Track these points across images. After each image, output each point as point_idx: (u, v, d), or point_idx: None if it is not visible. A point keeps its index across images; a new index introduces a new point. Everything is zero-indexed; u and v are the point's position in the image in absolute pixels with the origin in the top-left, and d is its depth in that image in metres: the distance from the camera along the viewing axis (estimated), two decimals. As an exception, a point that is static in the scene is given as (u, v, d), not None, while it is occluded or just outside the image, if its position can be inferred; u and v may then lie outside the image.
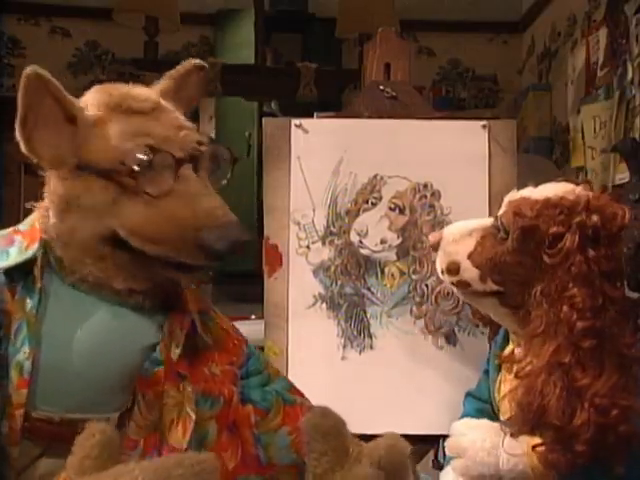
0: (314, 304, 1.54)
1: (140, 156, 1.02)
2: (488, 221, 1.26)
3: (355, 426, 1.51)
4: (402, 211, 1.55)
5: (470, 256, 1.23)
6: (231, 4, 4.08)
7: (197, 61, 1.19)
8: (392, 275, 1.53)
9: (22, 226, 1.12)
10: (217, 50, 4.11)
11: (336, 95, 3.52)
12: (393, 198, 1.56)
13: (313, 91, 3.33)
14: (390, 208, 1.56)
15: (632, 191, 2.16)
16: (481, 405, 1.36)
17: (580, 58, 3.46)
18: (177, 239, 1.01)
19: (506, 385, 1.27)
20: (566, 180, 1.23)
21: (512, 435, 1.16)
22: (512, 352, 1.27)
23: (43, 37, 4.17)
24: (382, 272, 1.54)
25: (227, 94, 3.45)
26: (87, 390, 1.08)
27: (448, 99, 4.34)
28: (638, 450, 1.11)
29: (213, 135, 3.60)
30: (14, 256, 1.07)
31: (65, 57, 4.13)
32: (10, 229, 1.13)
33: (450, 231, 1.30)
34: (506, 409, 1.23)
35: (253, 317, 2.26)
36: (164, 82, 1.18)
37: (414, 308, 1.53)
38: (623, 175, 2.72)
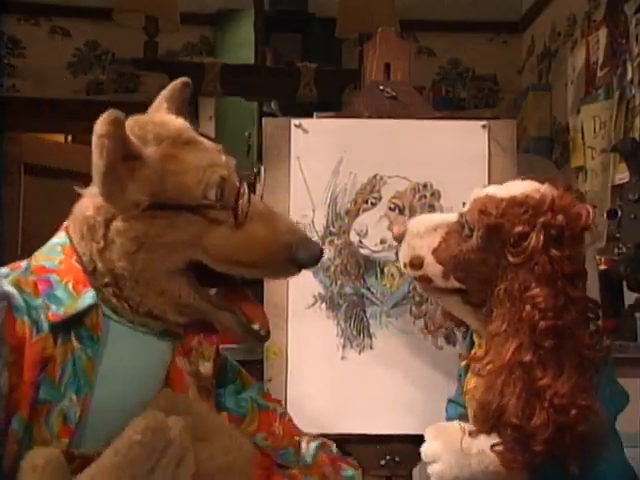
0: (314, 304, 1.54)
1: (218, 187, 1.04)
2: (453, 217, 1.25)
3: (355, 426, 1.52)
4: (402, 211, 1.55)
5: (434, 252, 1.22)
6: (231, 4, 4.08)
7: (184, 79, 1.21)
8: (392, 275, 1.53)
9: (46, 263, 1.07)
10: (217, 50, 4.11)
11: (336, 95, 3.52)
12: (393, 198, 1.56)
13: (313, 91, 3.33)
14: (390, 208, 1.56)
15: (632, 191, 2.16)
16: (461, 410, 1.35)
17: (580, 58, 3.46)
18: (268, 259, 1.06)
19: (471, 385, 1.27)
20: (531, 178, 1.24)
21: (471, 435, 1.16)
22: (475, 352, 1.27)
23: (43, 37, 4.17)
24: (382, 272, 1.54)
25: (227, 94, 3.45)
26: (125, 422, 1.06)
27: (448, 99, 4.34)
28: (593, 450, 1.12)
29: (213, 135, 3.59)
30: (68, 301, 1.03)
31: (65, 57, 4.14)
32: (28, 266, 1.07)
33: (415, 224, 1.29)
34: (472, 409, 1.24)
35: (253, 317, 2.26)
36: (161, 103, 1.17)
37: (414, 308, 1.53)
38: (623, 175, 2.72)
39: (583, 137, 3.32)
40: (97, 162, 0.98)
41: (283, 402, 1.49)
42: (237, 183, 1.07)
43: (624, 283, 2.23)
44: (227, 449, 1.07)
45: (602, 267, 2.36)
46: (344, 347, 1.53)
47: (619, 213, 2.19)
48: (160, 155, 1.04)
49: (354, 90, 3.46)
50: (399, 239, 1.28)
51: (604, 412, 1.13)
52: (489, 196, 1.20)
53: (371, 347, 1.53)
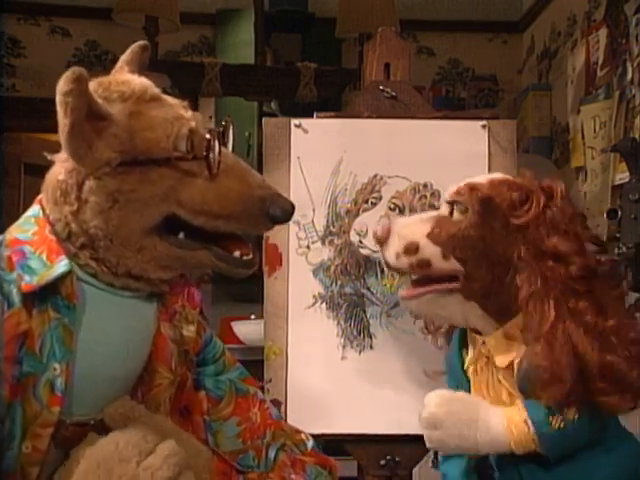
0: (314, 304, 1.54)
1: (187, 139, 1.05)
2: (436, 212, 1.26)
3: (355, 426, 1.52)
4: (402, 211, 1.55)
5: (429, 235, 1.20)
6: (231, 4, 4.08)
7: (142, 42, 1.21)
8: (392, 275, 1.53)
9: (20, 235, 1.07)
10: (217, 50, 4.11)
11: (336, 95, 3.52)
12: (393, 198, 1.56)
13: (313, 91, 3.33)
14: (390, 208, 1.56)
15: (632, 191, 2.16)
16: None
17: (580, 58, 3.46)
18: (243, 212, 1.06)
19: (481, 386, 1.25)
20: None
21: (556, 398, 1.12)
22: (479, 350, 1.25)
23: (43, 37, 4.17)
24: (382, 272, 1.54)
25: (227, 94, 3.45)
26: (119, 388, 1.09)
27: (448, 99, 4.34)
28: (609, 425, 1.18)
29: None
30: (42, 271, 1.03)
31: (65, 57, 4.13)
32: (2, 240, 1.08)
33: (400, 220, 1.28)
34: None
35: (253, 317, 2.26)
36: (122, 67, 1.17)
37: (414, 308, 1.53)
38: (623, 175, 2.72)
39: (583, 137, 3.32)
40: (62, 121, 0.99)
41: (283, 402, 1.49)
42: (207, 135, 1.07)
43: (624, 283, 2.23)
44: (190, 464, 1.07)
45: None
46: (344, 347, 1.53)
47: (619, 213, 2.19)
48: (126, 112, 1.04)
49: (354, 90, 3.47)
50: (383, 240, 1.23)
51: None
52: (470, 181, 1.22)
53: (371, 347, 1.53)
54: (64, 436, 1.05)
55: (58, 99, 0.99)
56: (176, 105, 1.10)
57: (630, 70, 2.95)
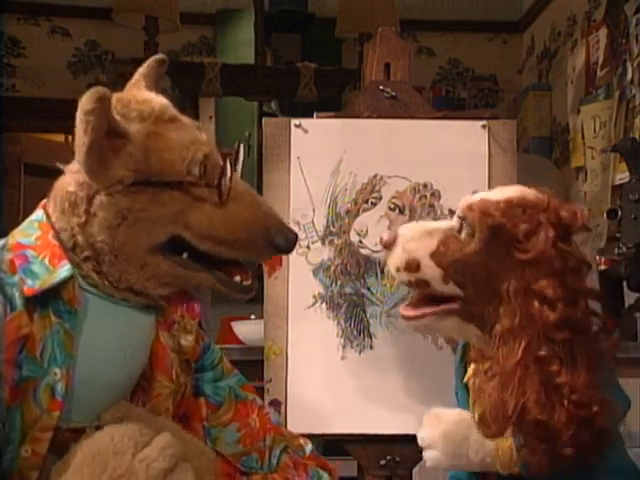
0: (314, 304, 1.54)
1: (201, 165, 1.06)
2: (446, 223, 1.24)
3: (355, 426, 1.52)
4: (402, 211, 1.55)
5: (433, 255, 1.18)
6: (231, 4, 4.08)
7: (160, 55, 1.21)
8: (392, 275, 1.53)
9: (23, 239, 1.08)
10: (217, 50, 4.11)
11: (336, 95, 3.52)
12: (393, 198, 1.56)
13: (313, 91, 3.33)
14: (390, 208, 1.56)
15: (632, 191, 2.17)
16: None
17: (580, 58, 3.46)
18: (248, 239, 1.07)
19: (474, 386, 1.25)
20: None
21: (487, 436, 1.15)
22: (480, 354, 1.24)
23: (43, 37, 4.17)
24: (382, 272, 1.54)
25: (227, 94, 3.45)
26: (116, 395, 1.10)
27: (448, 99, 4.34)
28: (608, 444, 1.12)
29: (213, 135, 3.60)
30: (44, 275, 1.03)
31: (65, 57, 4.13)
32: (5, 243, 1.08)
33: (408, 229, 1.25)
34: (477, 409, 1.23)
35: (253, 317, 2.26)
36: (138, 80, 1.17)
37: (414, 308, 1.53)
38: (623, 175, 2.72)
39: (583, 137, 3.32)
40: (82, 139, 0.99)
41: (283, 402, 1.49)
42: (220, 161, 1.08)
43: (624, 283, 2.23)
44: (188, 456, 1.07)
45: (602, 267, 2.35)
46: (344, 347, 1.53)
47: (619, 213, 2.19)
48: (144, 132, 1.05)
49: (354, 90, 3.46)
50: (389, 246, 1.22)
51: (617, 407, 1.13)
52: (485, 199, 1.19)
53: (371, 347, 1.53)
54: (60, 442, 1.05)
55: (79, 117, 0.98)
56: (192, 127, 1.11)
57: (630, 70, 2.95)
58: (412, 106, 1.61)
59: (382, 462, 1.52)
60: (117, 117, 1.03)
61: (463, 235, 1.18)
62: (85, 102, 0.97)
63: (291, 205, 1.56)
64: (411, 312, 1.22)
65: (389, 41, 1.63)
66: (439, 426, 1.22)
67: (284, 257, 1.54)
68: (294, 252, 1.54)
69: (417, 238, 1.21)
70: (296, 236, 1.11)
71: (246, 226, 1.07)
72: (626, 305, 2.24)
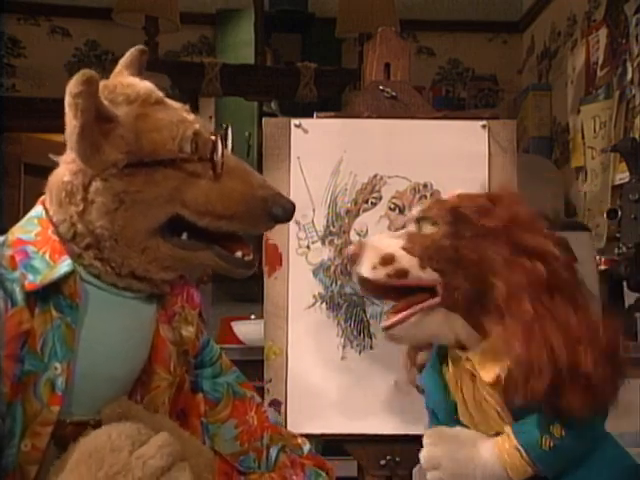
0: (314, 304, 1.54)
1: (192, 141, 1.07)
2: (405, 230, 1.25)
3: (355, 426, 1.52)
4: (402, 211, 1.55)
5: (404, 249, 1.19)
6: (231, 4, 4.09)
7: (141, 46, 1.24)
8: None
9: (23, 235, 1.08)
10: (217, 50, 4.12)
11: (336, 95, 3.52)
12: (393, 198, 1.56)
13: (313, 91, 3.33)
14: (390, 208, 1.56)
15: (632, 191, 2.17)
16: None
17: (580, 58, 3.46)
18: (246, 212, 1.08)
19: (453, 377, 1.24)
20: None
21: (524, 399, 1.11)
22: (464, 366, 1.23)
23: (43, 37, 4.17)
24: (382, 272, 1.54)
25: (227, 94, 3.45)
26: (118, 389, 1.10)
27: (448, 99, 4.34)
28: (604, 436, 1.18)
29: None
30: (45, 270, 1.04)
31: (65, 57, 4.14)
32: (5, 240, 1.09)
33: (372, 238, 1.29)
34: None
35: (253, 317, 2.26)
36: (121, 70, 1.18)
37: (414, 308, 1.53)
38: (623, 175, 2.73)
39: (583, 137, 3.32)
40: (72, 123, 1.00)
41: (283, 402, 1.49)
42: (211, 137, 1.09)
43: (624, 283, 2.23)
44: (185, 455, 1.07)
45: (602, 267, 2.36)
46: (344, 347, 1.53)
47: (619, 213, 2.19)
48: (132, 115, 1.06)
49: (354, 90, 3.47)
50: (357, 254, 1.21)
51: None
52: (438, 198, 1.26)
53: (371, 347, 1.53)
54: (63, 436, 1.05)
55: (68, 100, 0.99)
56: (179, 108, 1.12)
57: (630, 70, 2.95)
58: (412, 106, 1.61)
59: (382, 462, 1.52)
60: (105, 102, 1.04)
61: (425, 229, 1.20)
62: (73, 85, 0.98)
63: (291, 205, 1.55)
64: (394, 318, 1.20)
65: (389, 41, 1.63)
66: (439, 444, 1.21)
67: (284, 257, 1.55)
68: (294, 252, 1.55)
69: (384, 239, 1.24)
70: (293, 205, 1.11)
71: (243, 199, 1.08)
72: (626, 305, 2.24)
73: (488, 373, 1.16)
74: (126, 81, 1.12)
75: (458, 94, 4.40)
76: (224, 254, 1.10)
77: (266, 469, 1.23)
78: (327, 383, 1.52)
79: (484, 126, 1.57)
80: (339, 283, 1.54)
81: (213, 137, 1.09)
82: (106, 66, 4.07)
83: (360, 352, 1.53)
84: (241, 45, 3.87)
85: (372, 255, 1.20)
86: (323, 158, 1.57)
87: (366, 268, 1.19)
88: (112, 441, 0.99)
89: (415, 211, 1.24)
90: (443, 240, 1.17)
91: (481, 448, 1.17)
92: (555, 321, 1.11)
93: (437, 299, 1.17)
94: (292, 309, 1.53)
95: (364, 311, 1.54)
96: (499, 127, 1.58)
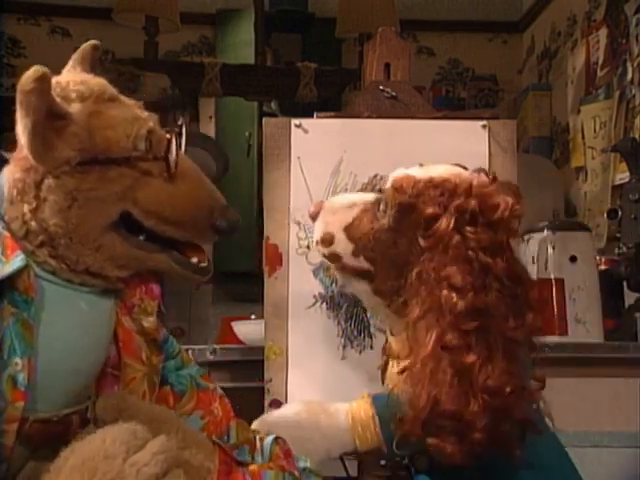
0: (314, 304, 1.54)
1: (147, 139, 1.06)
2: (372, 196, 1.23)
3: (355, 426, 1.52)
4: (402, 211, 1.55)
5: (346, 229, 1.19)
6: (231, 4, 4.09)
7: (93, 41, 1.21)
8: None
9: None
10: (217, 50, 4.12)
11: (336, 95, 3.52)
12: (393, 198, 1.56)
13: (313, 91, 3.33)
14: (390, 208, 1.56)
15: (632, 191, 2.17)
16: None
17: (580, 58, 3.46)
18: (192, 220, 1.07)
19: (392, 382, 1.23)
20: (457, 165, 1.22)
21: (403, 436, 1.11)
22: (390, 347, 1.23)
23: (43, 37, 4.17)
24: (382, 272, 1.54)
25: (227, 94, 3.45)
26: (81, 384, 1.09)
27: (448, 99, 4.35)
28: (532, 434, 1.09)
29: (213, 135, 3.59)
30: None
31: (65, 57, 4.11)
32: None
33: (331, 201, 1.27)
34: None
35: (253, 317, 2.26)
36: (74, 67, 1.17)
37: (414, 308, 1.53)
38: (623, 175, 2.73)
39: (583, 137, 3.32)
40: (23, 120, 0.99)
41: (283, 402, 1.49)
42: (166, 136, 1.08)
43: (624, 283, 2.23)
44: (184, 444, 1.07)
45: (602, 267, 2.36)
46: (344, 347, 1.53)
47: (619, 213, 2.19)
48: (85, 112, 1.05)
49: (354, 90, 3.47)
50: (314, 217, 1.24)
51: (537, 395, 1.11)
52: (407, 175, 1.18)
53: (371, 347, 1.53)
54: (27, 433, 1.04)
55: (19, 98, 0.98)
56: (133, 105, 1.11)
57: (630, 70, 2.95)
58: (412, 106, 1.61)
59: (382, 462, 1.52)
60: (57, 99, 1.03)
61: (380, 210, 1.18)
62: (25, 82, 0.97)
63: (291, 205, 1.56)
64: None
65: (389, 41, 1.63)
66: (297, 414, 1.25)
67: (284, 257, 1.55)
68: (294, 252, 1.55)
69: (336, 210, 1.23)
70: (238, 220, 1.10)
71: (192, 206, 1.07)
72: (626, 305, 2.24)
73: (398, 364, 1.17)
74: (79, 78, 1.10)
75: (458, 94, 4.40)
76: (179, 259, 1.09)
77: (262, 460, 1.22)
78: (327, 383, 1.52)
79: (484, 126, 1.57)
80: (339, 283, 1.54)
81: (168, 135, 1.08)
82: (106, 66, 4.07)
83: (360, 352, 1.53)
84: (241, 45, 3.87)
85: (318, 229, 1.24)
86: (323, 158, 1.57)
87: (314, 240, 1.25)
88: (106, 448, 0.98)
89: (387, 183, 1.21)
90: (382, 233, 1.16)
91: (332, 415, 1.21)
92: (453, 364, 1.05)
93: (365, 267, 1.19)
94: (292, 309, 1.53)
95: (364, 311, 1.54)
96: (499, 127, 1.58)
